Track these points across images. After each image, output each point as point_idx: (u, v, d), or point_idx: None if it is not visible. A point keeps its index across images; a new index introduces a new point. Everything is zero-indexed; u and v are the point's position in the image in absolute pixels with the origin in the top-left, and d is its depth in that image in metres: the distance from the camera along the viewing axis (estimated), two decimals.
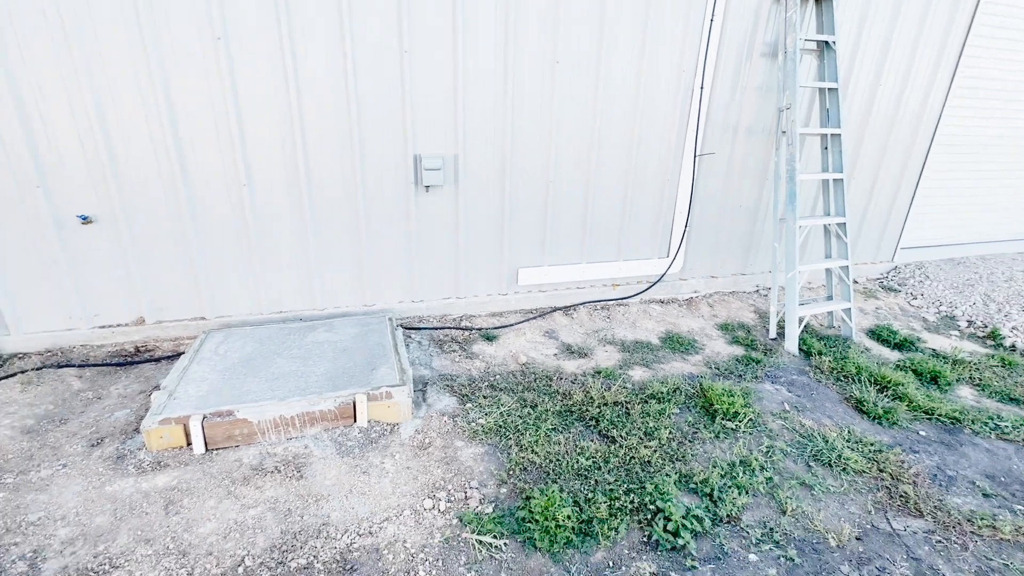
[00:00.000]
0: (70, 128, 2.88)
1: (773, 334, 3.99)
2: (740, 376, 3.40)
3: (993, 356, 3.84)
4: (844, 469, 2.57)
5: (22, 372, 3.03)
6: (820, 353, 3.68)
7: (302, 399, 2.62)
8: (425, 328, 3.78)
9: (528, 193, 3.82)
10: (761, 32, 3.92)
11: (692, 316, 4.31)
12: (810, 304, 4.04)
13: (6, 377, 2.98)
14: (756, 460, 2.56)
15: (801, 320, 3.85)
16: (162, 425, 2.43)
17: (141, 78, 2.89)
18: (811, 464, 2.61)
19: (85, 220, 3.05)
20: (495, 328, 3.85)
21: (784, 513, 2.28)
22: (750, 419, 2.87)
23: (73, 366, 3.13)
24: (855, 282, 5.14)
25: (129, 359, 3.26)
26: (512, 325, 3.92)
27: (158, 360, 3.26)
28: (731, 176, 4.31)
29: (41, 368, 3.08)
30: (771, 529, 2.20)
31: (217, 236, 3.31)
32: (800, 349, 3.79)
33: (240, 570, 1.90)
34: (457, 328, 3.81)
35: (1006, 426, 2.95)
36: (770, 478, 2.47)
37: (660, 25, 3.66)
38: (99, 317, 3.31)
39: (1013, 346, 4.03)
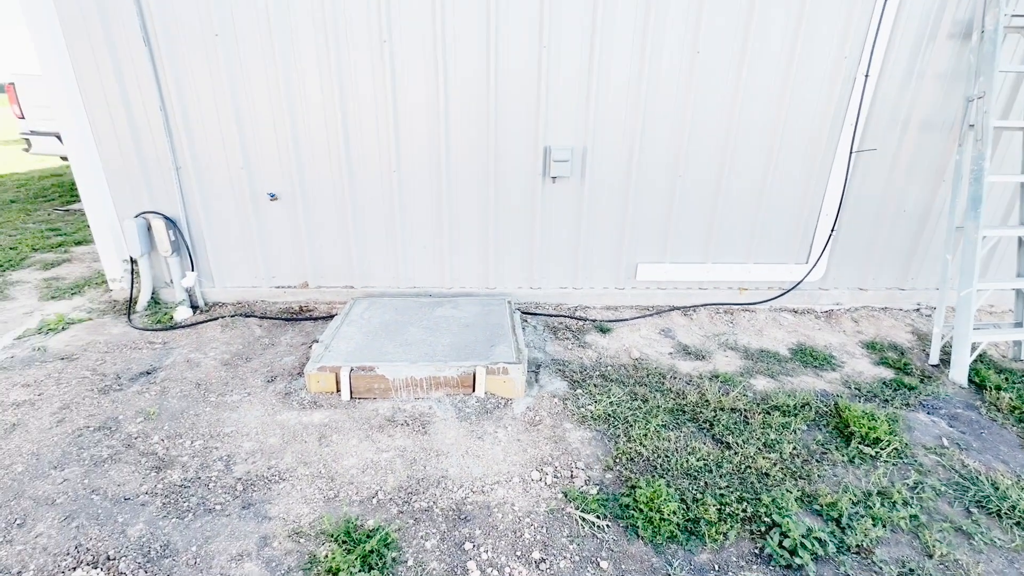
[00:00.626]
0: (267, 116, 3.49)
1: (935, 360, 3.45)
2: (886, 401, 3.02)
3: None
4: (1019, 523, 2.18)
5: (221, 317, 3.77)
6: (998, 388, 3.11)
7: (429, 364, 2.91)
8: (541, 314, 3.92)
9: (654, 188, 3.76)
10: (951, 7, 3.37)
11: (831, 330, 3.90)
12: (989, 329, 3.42)
13: (211, 320, 3.74)
14: (899, 493, 2.28)
15: (975, 347, 3.28)
16: (319, 372, 2.87)
17: (323, 71, 3.39)
18: (972, 510, 2.25)
19: (273, 197, 3.69)
20: (609, 321, 3.87)
21: (930, 557, 2.02)
22: (895, 448, 2.55)
23: (255, 316, 3.82)
24: None
25: (295, 316, 3.88)
26: (627, 320, 3.90)
27: (316, 319, 3.84)
28: (896, 176, 3.79)
29: (234, 316, 3.81)
30: (911, 570, 1.96)
31: (369, 216, 3.79)
32: (971, 381, 3.23)
33: (374, 501, 2.21)
34: (571, 317, 3.90)
35: None
36: (915, 515, 2.19)
37: (819, 5, 3.34)
38: (275, 279, 3.99)
39: None
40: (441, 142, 3.58)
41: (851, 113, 3.58)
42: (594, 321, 3.86)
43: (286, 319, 3.83)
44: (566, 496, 2.25)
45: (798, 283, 4.06)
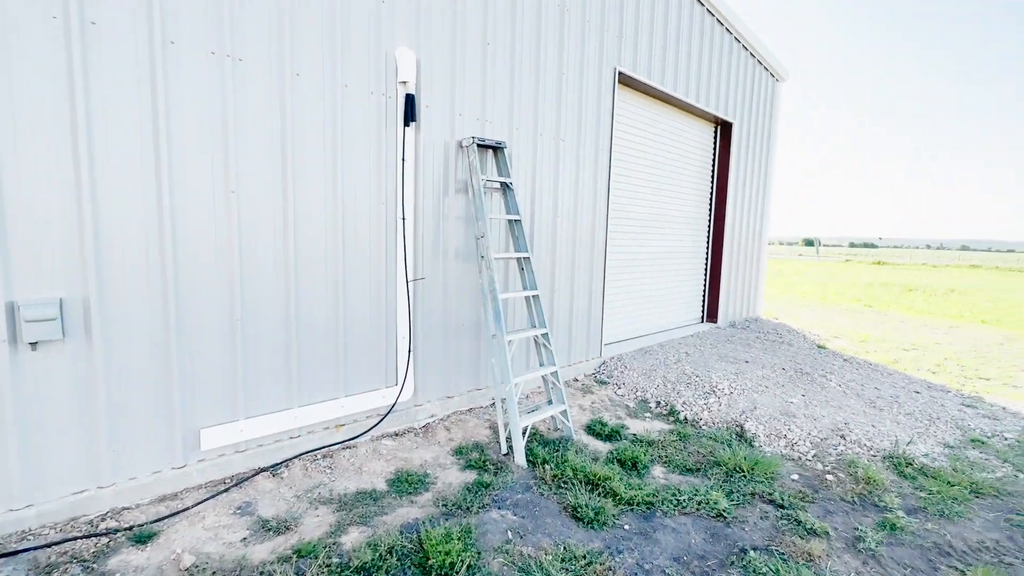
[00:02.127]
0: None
1: (504, 449, 3.99)
2: (468, 509, 3.17)
3: (673, 431, 4.57)
4: None
5: None
6: (544, 461, 3.77)
7: None
8: (30, 548, 2.54)
9: (207, 336, 3.17)
10: (453, 172, 4.38)
11: (428, 445, 4.05)
12: (533, 413, 4.24)
13: None
14: None
15: (526, 430, 3.96)
16: None
17: None
18: None
19: None
20: (160, 519, 2.85)
21: None
22: (468, 565, 2.59)
23: None
24: (576, 380, 5.77)
25: None
26: (190, 508, 2.98)
27: None
28: (449, 298, 4.47)
29: None
30: None
31: None
32: (528, 460, 3.83)
33: None
34: (93, 535, 2.69)
35: (684, 499, 3.35)
36: None
37: (352, 163, 3.73)
38: None
39: (685, 419, 4.90)
40: None
41: (400, 248, 4.05)
42: (131, 529, 2.76)
43: None
44: None
45: (392, 406, 4.13)
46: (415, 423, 4.33)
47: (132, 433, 2.95)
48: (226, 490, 3.18)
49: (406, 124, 3.96)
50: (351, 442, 3.90)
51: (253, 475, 3.35)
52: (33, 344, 2.59)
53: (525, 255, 4.50)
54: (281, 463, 3.52)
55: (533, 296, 4.50)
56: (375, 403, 4.04)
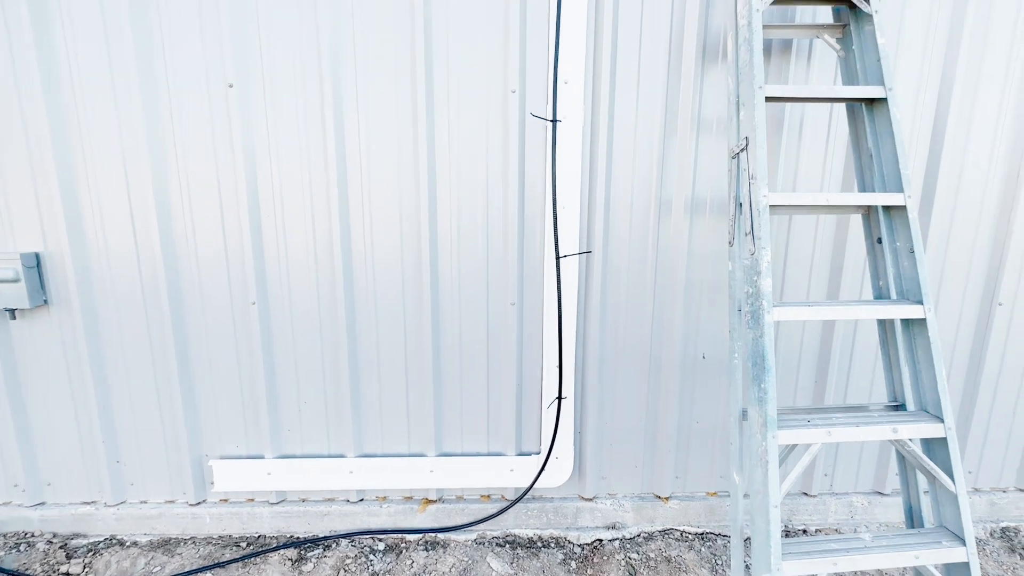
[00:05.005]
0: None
1: None
2: None
3: None
4: None
5: None
6: None
7: None
8: None
9: (219, 321, 2.05)
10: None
11: None
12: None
13: None
14: None
15: None
16: None
17: None
18: None
19: None
20: None
21: None
22: None
23: None
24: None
25: None
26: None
27: None
28: (667, 299, 2.06)
29: None
30: None
31: None
32: None
33: None
34: None
35: None
36: None
37: None
38: None
39: None
40: None
41: (548, 173, 1.94)
42: None
43: None
44: None
45: (527, 490, 2.17)
46: (571, 531, 2.23)
47: (139, 443, 2.15)
48: (225, 567, 2.06)
49: None
50: (441, 535, 2.21)
51: (275, 548, 2.13)
52: (11, 312, 2.00)
53: (895, 199, 1.55)
54: (321, 540, 2.17)
55: (905, 324, 1.55)
56: (493, 478, 2.18)
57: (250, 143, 1.91)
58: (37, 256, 1.95)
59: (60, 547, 2.10)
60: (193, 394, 2.11)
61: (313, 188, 1.96)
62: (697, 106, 1.95)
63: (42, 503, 2.19)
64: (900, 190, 1.55)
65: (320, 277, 2.02)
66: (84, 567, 2.02)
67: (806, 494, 2.27)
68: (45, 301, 1.99)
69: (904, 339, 1.59)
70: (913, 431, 1.45)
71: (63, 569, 2.00)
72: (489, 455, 2.19)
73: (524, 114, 1.93)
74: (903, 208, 1.54)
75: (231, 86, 1.86)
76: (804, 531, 2.26)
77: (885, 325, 1.65)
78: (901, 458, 1.66)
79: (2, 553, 2.05)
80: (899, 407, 1.63)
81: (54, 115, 1.87)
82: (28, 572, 1.97)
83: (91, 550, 2.11)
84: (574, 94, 1.90)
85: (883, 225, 1.62)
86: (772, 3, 1.69)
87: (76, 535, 2.18)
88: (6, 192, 1.93)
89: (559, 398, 2.07)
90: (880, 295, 1.67)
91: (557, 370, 2.07)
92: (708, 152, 1.97)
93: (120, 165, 1.91)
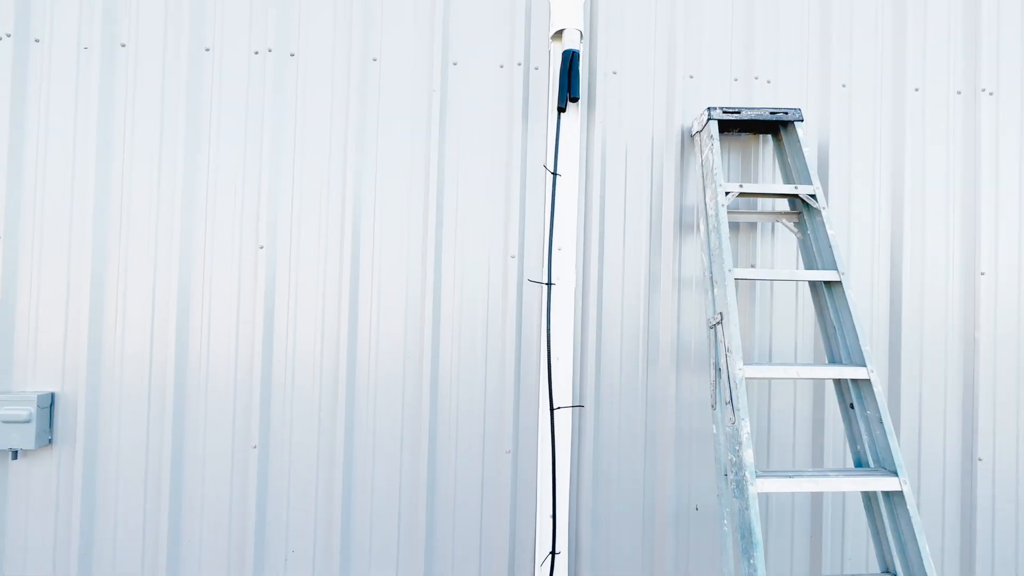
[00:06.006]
0: None
1: None
2: None
3: None
4: None
5: None
6: None
7: None
8: None
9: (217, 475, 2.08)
10: (675, 188, 2.17)
11: None
12: None
13: None
14: None
15: None
16: None
17: None
18: None
19: None
20: None
21: None
22: None
23: None
24: None
25: None
26: None
27: None
28: (667, 457, 2.12)
29: None
30: None
31: None
32: None
33: None
34: None
35: None
36: None
37: (459, 172, 2.15)
38: None
39: None
40: None
41: (542, 339, 2.10)
42: None
43: None
44: None
45: None
46: None
47: None
48: None
49: (562, 107, 2.10)
50: None
51: None
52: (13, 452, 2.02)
53: (859, 372, 1.70)
54: None
55: (886, 494, 1.62)
56: None
57: (271, 305, 2.10)
58: (52, 396, 2.03)
59: None
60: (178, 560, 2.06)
61: (324, 361, 2.10)
62: (678, 268, 2.18)
63: None
64: (863, 364, 1.70)
65: (321, 444, 2.10)
66: None
67: None
68: (50, 441, 2.03)
69: (886, 509, 1.63)
70: None
71: None
72: None
73: (522, 277, 2.15)
74: (868, 380, 1.68)
75: (262, 247, 2.10)
76: None
77: (869, 495, 1.71)
78: None
79: None
80: None
81: (98, 265, 2.06)
82: None
83: None
84: (567, 259, 2.14)
85: (852, 394, 1.76)
86: (737, 196, 1.99)
87: None
88: (38, 331, 2.06)
89: (553, 552, 2.04)
90: (859, 461, 1.75)
91: (551, 520, 2.06)
92: (690, 309, 2.16)
93: (148, 314, 2.07)
